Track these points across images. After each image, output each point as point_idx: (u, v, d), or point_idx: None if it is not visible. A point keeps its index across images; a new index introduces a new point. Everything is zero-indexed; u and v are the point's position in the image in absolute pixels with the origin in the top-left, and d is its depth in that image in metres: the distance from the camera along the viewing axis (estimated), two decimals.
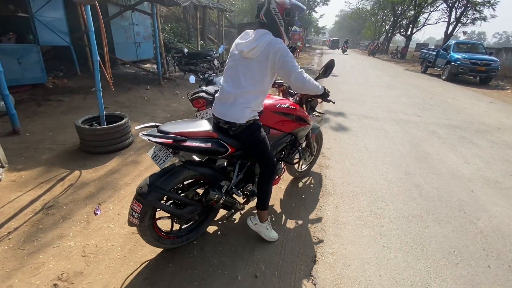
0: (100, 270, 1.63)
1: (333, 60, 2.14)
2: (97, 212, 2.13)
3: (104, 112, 3.16)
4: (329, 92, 2.02)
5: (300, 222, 2.18)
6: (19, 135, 3.40)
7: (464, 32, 25.21)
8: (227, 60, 1.75)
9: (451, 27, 20.95)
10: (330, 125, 4.56)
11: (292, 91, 2.36)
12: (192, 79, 3.79)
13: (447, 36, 20.72)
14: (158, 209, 1.61)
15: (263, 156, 1.74)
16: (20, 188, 2.38)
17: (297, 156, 2.45)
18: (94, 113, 3.29)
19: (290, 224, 2.16)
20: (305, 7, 1.76)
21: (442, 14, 23.81)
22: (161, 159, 1.58)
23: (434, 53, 13.34)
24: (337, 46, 42.23)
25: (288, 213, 2.29)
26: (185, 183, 1.71)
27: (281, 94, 2.46)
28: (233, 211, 1.92)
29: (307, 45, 39.16)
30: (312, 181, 2.81)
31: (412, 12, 25.77)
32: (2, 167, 2.64)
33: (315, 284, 1.63)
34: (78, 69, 6.51)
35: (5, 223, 1.96)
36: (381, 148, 3.69)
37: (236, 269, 1.69)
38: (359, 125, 4.64)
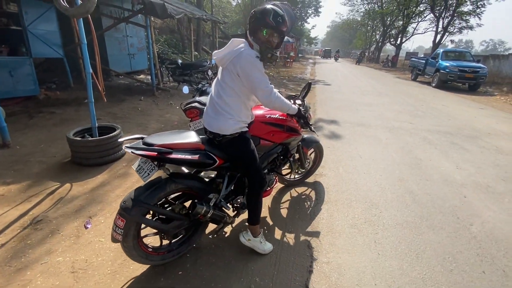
0: (89, 286, 1.58)
1: (310, 83, 2.22)
2: (87, 226, 2.08)
3: (96, 124, 3.14)
4: (307, 116, 2.04)
5: (294, 231, 2.16)
6: (9, 148, 3.34)
7: (452, 41, 26.00)
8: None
9: (438, 36, 21.60)
10: (324, 133, 4.59)
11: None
12: (185, 89, 3.81)
13: (435, 45, 21.33)
14: (142, 225, 1.55)
15: (251, 169, 1.70)
16: (9, 203, 2.32)
17: (288, 166, 2.45)
18: (87, 124, 3.27)
19: (284, 234, 2.14)
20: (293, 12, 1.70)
21: (429, 24, 24.66)
22: (145, 172, 1.53)
23: (424, 61, 13.71)
24: (329, 55, 43.15)
25: (282, 222, 2.28)
26: (172, 196, 1.66)
27: None
28: (222, 225, 1.84)
29: (300, 55, 39.87)
30: (306, 190, 2.80)
31: (401, 22, 26.59)
32: None
33: None
34: (71, 81, 6.49)
35: None
36: (374, 155, 3.72)
37: (230, 282, 1.66)
38: (352, 133, 4.69)
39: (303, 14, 41.01)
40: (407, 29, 27.16)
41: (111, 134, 3.08)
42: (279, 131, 2.02)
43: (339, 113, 6.10)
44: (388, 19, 28.85)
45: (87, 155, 2.99)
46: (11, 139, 3.43)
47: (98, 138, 3.01)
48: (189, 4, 13.41)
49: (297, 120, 2.04)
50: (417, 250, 1.99)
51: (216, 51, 1.63)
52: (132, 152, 1.42)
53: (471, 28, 21.55)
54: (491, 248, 2.04)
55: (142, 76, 9.32)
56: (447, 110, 7.03)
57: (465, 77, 10.64)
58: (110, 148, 3.09)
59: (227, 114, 1.59)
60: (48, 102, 5.33)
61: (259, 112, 1.98)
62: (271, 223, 2.26)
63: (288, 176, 2.69)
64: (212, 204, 1.67)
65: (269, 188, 2.17)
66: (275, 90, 1.63)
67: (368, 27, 39.62)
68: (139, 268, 1.71)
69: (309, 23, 46.11)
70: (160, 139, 1.53)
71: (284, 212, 2.42)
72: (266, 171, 2.11)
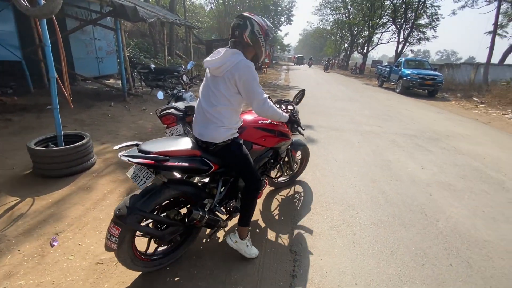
0: None
1: (304, 90, 2.41)
2: (53, 243, 1.91)
3: (62, 132, 2.92)
4: (297, 121, 2.19)
5: (276, 236, 2.17)
6: None
7: (412, 51, 28.30)
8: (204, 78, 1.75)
9: (400, 46, 23.34)
10: (300, 138, 4.70)
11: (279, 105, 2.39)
12: (160, 95, 3.70)
13: (398, 54, 23.00)
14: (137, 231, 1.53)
15: (247, 173, 1.74)
16: None
17: (277, 169, 2.54)
18: (50, 133, 3.03)
19: (266, 239, 2.13)
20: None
21: (392, 35, 26.55)
22: (141, 179, 1.51)
23: (388, 69, 14.71)
24: (302, 62, 44.59)
25: (264, 228, 2.27)
26: (165, 202, 1.64)
27: None
28: (216, 229, 1.85)
29: (274, 61, 40.67)
30: (285, 194, 2.84)
31: (367, 32, 28.31)
32: None
33: None
34: (31, 85, 5.99)
35: None
36: (348, 158, 3.88)
37: None
38: (326, 137, 4.86)
39: (276, 22, 42.01)
40: (373, 38, 29.00)
41: (79, 143, 2.87)
42: (271, 136, 2.09)
43: (314, 117, 6.29)
44: (355, 29, 30.60)
45: (51, 166, 2.76)
46: None
47: (64, 147, 2.80)
48: (161, 8, 13.13)
49: (288, 125, 2.16)
50: (392, 247, 2.09)
51: (208, 59, 1.64)
52: (129, 160, 1.39)
53: (428, 39, 23.57)
54: (456, 242, 2.21)
55: (111, 81, 8.89)
56: (411, 114, 7.57)
57: (425, 84, 11.58)
58: (78, 158, 2.89)
59: (218, 122, 1.61)
60: (4, 108, 4.86)
61: (250, 117, 2.03)
62: (253, 227, 2.25)
63: (276, 179, 2.77)
64: (207, 209, 1.68)
65: (260, 192, 2.17)
66: (268, 100, 1.70)
67: (337, 36, 41.64)
68: (113, 286, 1.60)
69: (282, 30, 47.58)
70: (156, 146, 1.52)
71: (265, 216, 2.42)
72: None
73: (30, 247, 1.87)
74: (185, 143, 1.64)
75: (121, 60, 6.10)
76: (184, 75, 7.26)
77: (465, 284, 1.79)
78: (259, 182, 1.79)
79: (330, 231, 2.26)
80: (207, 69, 1.66)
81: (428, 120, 6.88)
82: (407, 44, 23.53)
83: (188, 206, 1.71)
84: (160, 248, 1.74)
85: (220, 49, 1.64)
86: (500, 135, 5.95)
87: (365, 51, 29.55)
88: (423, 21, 22.57)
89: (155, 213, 1.58)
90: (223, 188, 1.84)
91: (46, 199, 2.44)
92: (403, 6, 22.24)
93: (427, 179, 3.36)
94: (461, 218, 2.54)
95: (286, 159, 2.60)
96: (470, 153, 4.40)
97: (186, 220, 1.67)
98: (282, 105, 2.34)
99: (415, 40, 24.05)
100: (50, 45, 2.67)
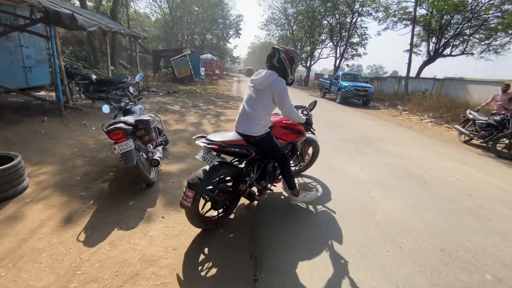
0: None
1: (316, 101, 3.23)
2: None
3: None
4: (311, 123, 3.04)
5: (235, 245, 2.23)
6: None
7: (347, 65, 31.70)
8: (247, 89, 2.44)
9: (338, 61, 26.04)
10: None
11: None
12: (105, 108, 3.48)
13: (336, 68, 25.59)
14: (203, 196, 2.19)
15: (279, 156, 2.46)
16: None
17: (293, 160, 3.30)
18: None
19: (226, 249, 2.18)
20: (298, 52, 2.37)
21: (330, 51, 29.45)
22: (208, 159, 2.15)
23: (329, 81, 16.26)
24: (252, 74, 45.93)
25: (222, 239, 2.31)
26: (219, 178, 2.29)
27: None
28: (253, 200, 2.55)
29: (224, 73, 41.13)
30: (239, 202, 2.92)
31: (309, 48, 30.84)
32: None
33: None
34: None
35: None
36: None
37: None
38: None
39: (225, 34, 42.85)
40: (314, 53, 31.70)
41: (7, 165, 2.52)
42: (291, 133, 2.78)
43: None
44: (299, 44, 33.02)
45: None
46: None
47: None
48: (102, 15, 12.27)
49: (304, 126, 2.91)
50: (341, 242, 2.34)
51: (253, 77, 2.32)
52: (204, 145, 2.13)
53: (359, 55, 26.85)
54: (390, 231, 2.57)
55: (43, 93, 7.88)
56: (349, 121, 8.49)
57: (360, 94, 13.14)
58: (7, 182, 2.52)
59: (257, 121, 2.30)
60: None
61: (277, 119, 2.74)
62: (211, 240, 2.27)
63: (293, 168, 3.47)
64: (247, 185, 2.38)
65: (280, 177, 2.81)
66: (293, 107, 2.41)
67: None
68: None
69: (231, 43, 48.52)
70: (217, 137, 2.22)
71: (220, 227, 2.46)
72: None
73: None
74: (235, 136, 2.33)
75: (55, 70, 5.50)
76: (130, 87, 6.88)
77: (399, 266, 2.10)
78: (288, 160, 2.59)
79: (286, 233, 2.41)
80: (252, 83, 2.33)
81: (363, 127, 7.81)
82: (343, 59, 26.41)
83: (233, 182, 2.41)
84: (214, 213, 2.39)
85: (261, 70, 2.32)
86: (420, 137, 7.10)
87: (308, 64, 32.05)
88: (355, 39, 25.71)
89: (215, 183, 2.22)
90: (257, 171, 2.52)
91: None
92: (338, 26, 25.01)
93: (365, 178, 3.82)
94: (394, 210, 2.97)
95: (300, 152, 3.29)
96: (398, 154, 5.14)
97: (233, 191, 2.38)
98: (299, 110, 3.03)
99: (349, 56, 27.14)
100: None
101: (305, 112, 3.12)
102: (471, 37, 16.65)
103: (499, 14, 12.97)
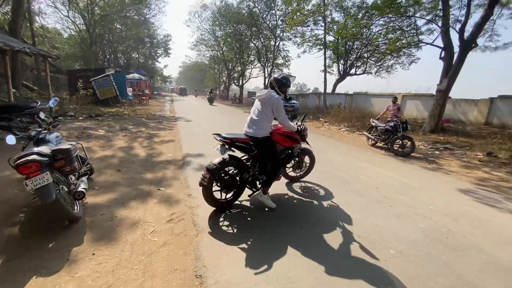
0: None
1: (305, 114, 4.47)
2: None
3: None
4: (302, 132, 3.71)
5: (179, 266, 2.21)
6: None
7: None
8: (254, 103, 3.28)
9: (267, 80, 28.08)
10: (193, 167, 4.84)
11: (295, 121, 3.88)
12: (10, 139, 2.98)
13: (265, 86, 27.50)
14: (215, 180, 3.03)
15: (273, 157, 3.21)
16: None
17: (291, 164, 4.02)
18: None
19: (171, 271, 2.14)
20: (289, 76, 3.24)
21: (259, 71, 31.59)
22: (222, 151, 3.02)
23: None
24: (186, 93, 45.30)
25: (166, 261, 2.26)
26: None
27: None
28: (254, 190, 3.33)
29: (155, 92, 39.28)
30: (184, 223, 2.90)
31: (240, 68, 32.42)
32: None
33: None
34: None
35: None
36: None
37: None
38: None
39: (152, 53, 41.32)
40: (245, 73, 33.44)
41: None
42: (288, 139, 3.46)
43: (203, 146, 6.58)
44: (230, 65, 34.37)
45: None
46: None
47: None
48: None
49: (300, 136, 3.65)
50: (271, 241, 2.56)
51: (258, 94, 3.22)
52: (220, 139, 3.04)
53: None
54: (327, 224, 2.94)
55: None
56: None
57: (288, 110, 14.42)
58: None
59: (259, 126, 3.13)
60: None
61: (277, 127, 3.47)
62: (158, 263, 2.19)
63: (295, 174, 4.23)
64: (250, 175, 3.22)
65: (280, 176, 3.62)
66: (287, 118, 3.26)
67: (216, 70, 45.23)
68: None
69: (160, 62, 46.87)
70: (230, 135, 3.09)
71: (166, 250, 2.40)
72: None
73: None
74: (243, 136, 3.17)
75: None
76: (41, 112, 5.99)
77: (327, 256, 2.43)
78: (280, 162, 3.34)
79: (231, 246, 2.51)
80: (257, 98, 3.19)
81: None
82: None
83: (239, 172, 3.19)
84: (223, 196, 3.18)
85: (263, 89, 3.39)
86: (339, 144, 8.23)
87: (240, 83, 33.53)
88: (280, 61, 28.34)
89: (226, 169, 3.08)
90: (258, 167, 3.24)
91: None
92: (264, 48, 27.22)
93: (302, 185, 4.24)
94: (328, 206, 3.41)
95: (297, 159, 3.98)
96: (324, 161, 5.86)
97: (239, 178, 3.20)
98: (293, 121, 3.73)
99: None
100: None
101: (298, 123, 3.73)
102: (368, 60, 20.56)
103: (386, 41, 16.38)
